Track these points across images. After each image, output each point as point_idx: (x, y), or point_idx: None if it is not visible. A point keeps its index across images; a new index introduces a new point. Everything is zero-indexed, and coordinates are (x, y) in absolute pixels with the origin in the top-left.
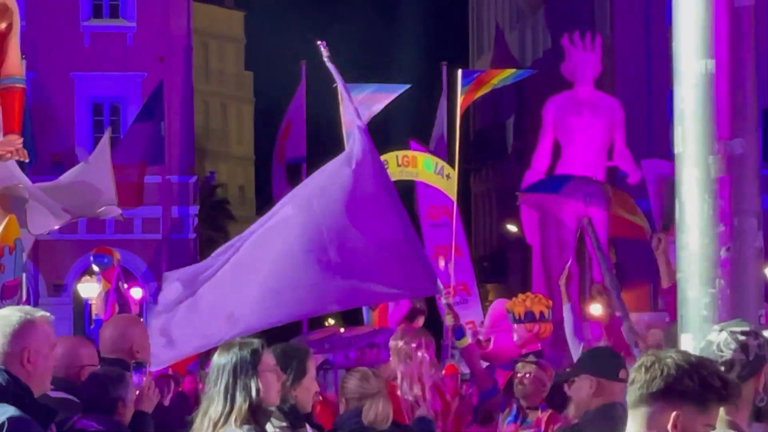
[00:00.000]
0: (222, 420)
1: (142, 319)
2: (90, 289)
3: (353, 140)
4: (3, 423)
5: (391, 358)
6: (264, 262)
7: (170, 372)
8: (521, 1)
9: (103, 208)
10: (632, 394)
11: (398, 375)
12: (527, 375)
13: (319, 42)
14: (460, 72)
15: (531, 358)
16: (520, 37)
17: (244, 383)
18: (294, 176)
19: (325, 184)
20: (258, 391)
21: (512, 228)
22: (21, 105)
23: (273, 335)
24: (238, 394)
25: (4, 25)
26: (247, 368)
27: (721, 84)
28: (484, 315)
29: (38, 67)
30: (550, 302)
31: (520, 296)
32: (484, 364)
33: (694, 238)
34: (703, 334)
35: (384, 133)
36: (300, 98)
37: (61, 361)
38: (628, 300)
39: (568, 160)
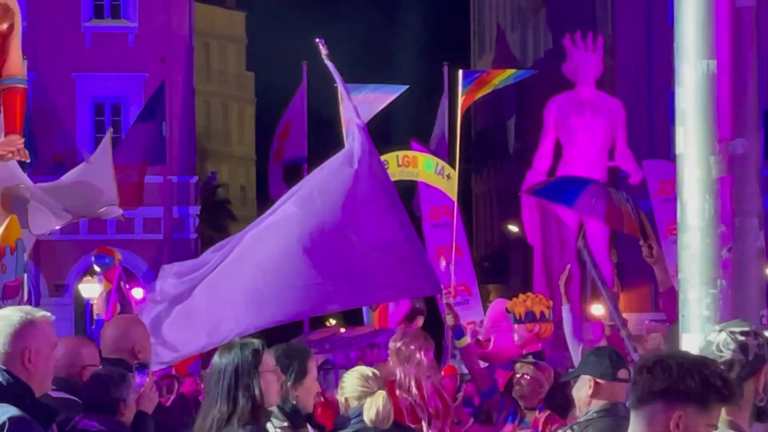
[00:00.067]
0: (224, 421)
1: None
2: (91, 289)
3: (352, 138)
4: (4, 423)
5: (389, 359)
6: (265, 261)
7: (173, 373)
8: (523, 1)
9: (104, 208)
10: (634, 394)
11: (397, 375)
12: (525, 376)
13: (317, 40)
14: (461, 72)
15: (530, 358)
16: (521, 38)
17: (245, 384)
18: (294, 176)
19: (327, 184)
20: (259, 391)
21: (513, 228)
22: (22, 105)
23: (273, 335)
24: (240, 394)
25: (5, 26)
26: (248, 369)
27: (723, 84)
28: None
29: (40, 67)
30: (551, 302)
31: (521, 296)
32: (484, 364)
33: (695, 238)
34: (704, 334)
35: (385, 133)
36: (301, 98)
37: (62, 361)
38: (629, 300)
39: (570, 161)
